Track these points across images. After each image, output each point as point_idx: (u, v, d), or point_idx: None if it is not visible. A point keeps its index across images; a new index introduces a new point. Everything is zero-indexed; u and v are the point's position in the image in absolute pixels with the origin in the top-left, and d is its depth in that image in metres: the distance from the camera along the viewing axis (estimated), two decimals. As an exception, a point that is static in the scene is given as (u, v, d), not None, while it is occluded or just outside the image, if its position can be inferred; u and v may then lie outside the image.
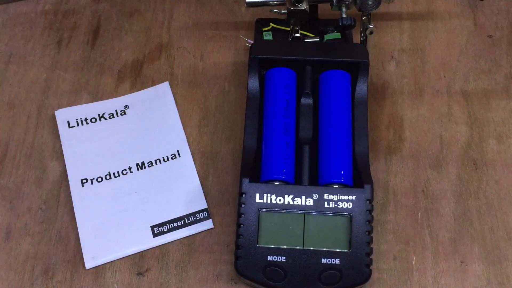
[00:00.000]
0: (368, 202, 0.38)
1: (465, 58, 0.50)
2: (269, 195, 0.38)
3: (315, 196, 0.38)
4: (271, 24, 0.49)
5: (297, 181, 0.41)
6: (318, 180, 0.40)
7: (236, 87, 0.49)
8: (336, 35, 0.48)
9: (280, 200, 0.38)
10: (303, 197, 0.38)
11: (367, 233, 0.37)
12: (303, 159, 0.41)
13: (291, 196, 0.38)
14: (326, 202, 0.38)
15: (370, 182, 0.39)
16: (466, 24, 0.52)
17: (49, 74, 0.50)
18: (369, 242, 0.37)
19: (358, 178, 0.40)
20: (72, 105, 0.48)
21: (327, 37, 0.48)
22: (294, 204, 0.38)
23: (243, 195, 0.38)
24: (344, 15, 0.43)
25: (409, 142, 0.46)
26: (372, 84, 0.49)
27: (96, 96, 0.49)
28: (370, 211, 0.38)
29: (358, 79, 0.43)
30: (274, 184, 0.39)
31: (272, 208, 0.38)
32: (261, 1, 0.45)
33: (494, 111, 0.48)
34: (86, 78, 0.50)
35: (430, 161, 0.45)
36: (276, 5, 0.45)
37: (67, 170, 0.45)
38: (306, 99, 0.43)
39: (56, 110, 0.48)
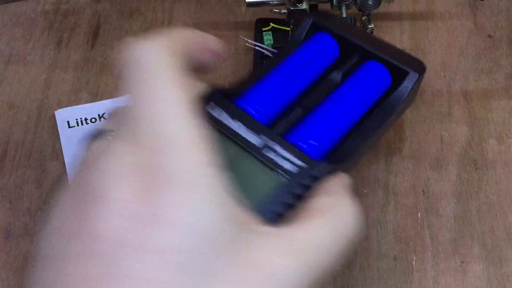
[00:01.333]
0: (310, 177, 0.30)
1: (465, 58, 0.50)
2: (228, 115, 0.32)
3: (264, 138, 0.31)
4: (271, 24, 0.49)
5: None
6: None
7: (236, 87, 0.49)
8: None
9: (231, 123, 0.32)
10: (254, 133, 0.31)
11: (286, 206, 0.30)
12: (288, 117, 0.35)
13: (243, 127, 0.32)
14: (270, 151, 0.31)
15: (331, 162, 0.31)
16: (466, 24, 0.52)
17: (49, 74, 0.50)
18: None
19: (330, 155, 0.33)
20: (72, 105, 0.48)
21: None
22: (238, 133, 0.31)
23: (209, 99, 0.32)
24: (344, 15, 0.43)
25: (409, 142, 0.46)
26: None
27: (96, 96, 0.49)
28: (306, 187, 0.30)
29: (401, 85, 0.37)
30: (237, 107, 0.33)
31: (218, 124, 0.31)
32: (261, 1, 0.45)
33: (495, 111, 0.48)
34: (86, 78, 0.50)
35: (430, 161, 0.45)
36: (276, 5, 0.45)
37: (67, 170, 0.45)
38: (333, 75, 0.37)
39: (56, 110, 0.48)
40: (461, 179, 0.45)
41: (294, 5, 0.43)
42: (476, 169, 0.45)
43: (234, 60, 0.51)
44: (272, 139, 0.31)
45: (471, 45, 0.51)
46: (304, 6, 0.43)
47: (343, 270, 0.41)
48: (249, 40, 0.49)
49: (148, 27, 0.53)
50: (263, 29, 0.49)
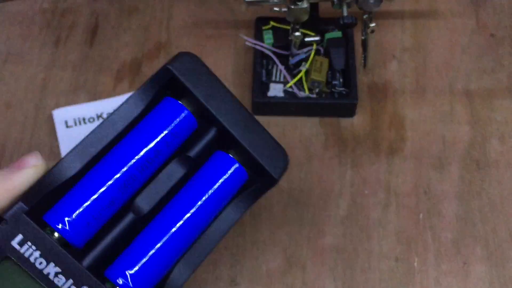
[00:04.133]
0: None
1: (468, 57, 0.50)
2: (32, 246, 0.26)
3: (78, 283, 0.26)
4: (271, 22, 0.49)
5: (82, 250, 0.28)
6: (106, 268, 0.28)
7: (236, 86, 0.49)
8: (337, 33, 0.48)
9: (39, 261, 0.26)
10: (64, 275, 0.26)
11: None
12: (113, 230, 0.28)
13: (51, 265, 0.26)
14: None
15: None
16: (469, 23, 0.52)
17: (47, 73, 0.50)
18: None
19: None
20: (70, 104, 0.48)
21: (327, 35, 0.48)
22: (49, 277, 0.26)
23: (4, 222, 0.26)
24: (345, 14, 0.43)
25: (411, 142, 0.46)
26: (373, 83, 0.49)
27: (94, 96, 0.49)
28: None
29: (255, 188, 0.30)
30: (48, 234, 0.26)
31: (23, 263, 0.26)
32: (261, 0, 0.45)
33: (497, 110, 0.47)
34: (84, 77, 0.50)
35: (432, 161, 0.45)
36: (276, 3, 0.45)
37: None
38: (179, 164, 0.29)
39: (54, 109, 0.47)
40: (463, 179, 0.44)
41: (295, 3, 0.43)
42: (479, 169, 0.45)
43: (234, 60, 0.50)
44: (86, 284, 0.26)
45: (474, 44, 0.51)
46: (304, 4, 0.43)
47: (344, 272, 0.41)
48: (249, 39, 0.48)
49: (146, 25, 0.52)
50: (263, 27, 0.49)
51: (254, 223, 0.43)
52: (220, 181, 0.29)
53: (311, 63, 0.47)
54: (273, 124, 0.47)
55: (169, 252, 0.28)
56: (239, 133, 0.29)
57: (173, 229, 0.28)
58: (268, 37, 0.48)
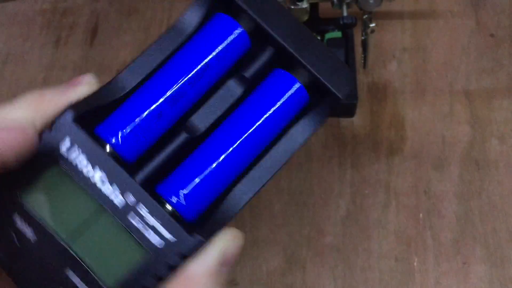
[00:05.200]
0: (177, 256, 0.25)
1: (467, 57, 0.50)
2: (81, 152, 0.25)
3: (130, 197, 0.25)
4: (271, 22, 0.49)
5: (133, 166, 0.27)
6: (156, 184, 0.27)
7: (236, 87, 0.49)
8: (337, 34, 0.48)
9: (88, 170, 0.25)
10: (116, 187, 0.25)
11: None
12: (166, 148, 0.27)
13: (102, 174, 0.25)
14: (134, 215, 0.25)
15: (206, 235, 0.25)
16: (469, 23, 0.52)
17: (47, 74, 0.50)
18: None
19: (203, 221, 0.26)
20: (70, 104, 0.48)
21: (328, 35, 0.47)
22: (98, 187, 0.25)
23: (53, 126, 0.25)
24: (345, 14, 0.43)
25: (410, 142, 0.46)
26: (373, 83, 0.49)
27: (95, 96, 0.49)
28: (172, 267, 0.25)
29: (319, 109, 0.28)
30: (97, 145, 0.25)
31: (71, 170, 0.25)
32: (261, 0, 0.45)
33: (497, 110, 0.47)
34: (85, 77, 0.50)
35: (432, 161, 0.45)
36: (276, 3, 0.45)
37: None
38: (235, 83, 0.28)
39: (54, 109, 0.47)
40: (463, 179, 0.44)
41: (295, 4, 0.43)
42: (478, 169, 0.45)
43: (234, 59, 0.50)
44: (138, 199, 0.25)
45: (473, 44, 0.51)
46: (304, 4, 0.43)
47: (344, 272, 0.41)
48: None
49: (147, 26, 0.52)
50: (263, 28, 0.49)
51: (254, 223, 0.43)
52: (281, 101, 0.28)
53: (311, 63, 0.47)
54: (273, 124, 0.47)
55: (226, 173, 0.27)
56: (298, 51, 0.27)
57: (231, 149, 0.27)
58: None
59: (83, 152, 0.25)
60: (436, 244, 0.42)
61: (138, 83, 0.27)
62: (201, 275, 0.24)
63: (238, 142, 0.27)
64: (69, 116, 0.25)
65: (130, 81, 0.27)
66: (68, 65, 0.51)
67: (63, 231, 0.25)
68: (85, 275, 0.24)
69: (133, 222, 0.25)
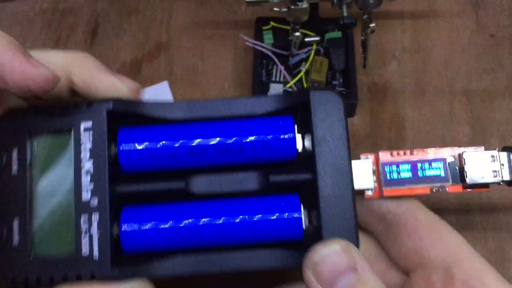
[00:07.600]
0: (88, 273, 0.25)
1: (468, 58, 0.50)
2: (91, 140, 0.27)
3: (94, 201, 0.26)
4: (271, 22, 0.49)
5: (124, 177, 0.28)
6: (127, 204, 0.28)
7: (236, 86, 0.49)
8: (337, 33, 0.48)
9: (85, 156, 0.27)
10: (92, 185, 0.26)
11: None
12: (159, 182, 0.28)
13: (91, 168, 0.26)
14: (86, 218, 0.26)
15: (124, 275, 0.26)
16: (469, 23, 0.52)
17: (47, 74, 0.50)
18: None
19: (133, 262, 0.27)
20: (70, 104, 0.48)
21: (327, 35, 0.48)
22: (81, 174, 0.26)
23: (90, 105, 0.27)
24: (345, 14, 0.43)
25: (410, 142, 0.46)
26: (373, 84, 0.49)
27: (95, 96, 0.49)
28: (79, 278, 0.26)
29: (295, 255, 0.27)
30: (107, 142, 0.27)
31: (76, 147, 0.27)
32: (261, 0, 0.45)
33: (497, 111, 0.47)
34: (85, 77, 0.50)
35: (432, 162, 0.45)
36: (276, 3, 0.45)
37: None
38: (255, 179, 0.28)
39: (54, 109, 0.47)
40: (463, 179, 0.44)
41: (295, 4, 0.43)
42: (479, 169, 0.45)
43: (234, 60, 0.50)
44: (98, 208, 0.26)
45: (473, 44, 0.51)
46: (304, 5, 0.43)
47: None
48: (249, 39, 0.48)
49: (147, 26, 0.52)
50: (263, 28, 0.49)
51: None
52: (277, 224, 0.27)
53: (311, 63, 0.47)
54: (273, 124, 0.46)
55: (184, 239, 0.27)
56: (324, 194, 0.26)
57: (201, 225, 0.27)
58: (268, 37, 0.48)
59: (92, 140, 0.26)
60: (436, 244, 0.41)
61: (179, 118, 0.28)
62: None
63: (212, 226, 0.27)
64: (106, 106, 0.27)
65: (176, 112, 0.28)
66: (68, 65, 0.50)
67: (37, 187, 0.26)
68: (23, 231, 0.26)
69: (82, 221, 0.26)
